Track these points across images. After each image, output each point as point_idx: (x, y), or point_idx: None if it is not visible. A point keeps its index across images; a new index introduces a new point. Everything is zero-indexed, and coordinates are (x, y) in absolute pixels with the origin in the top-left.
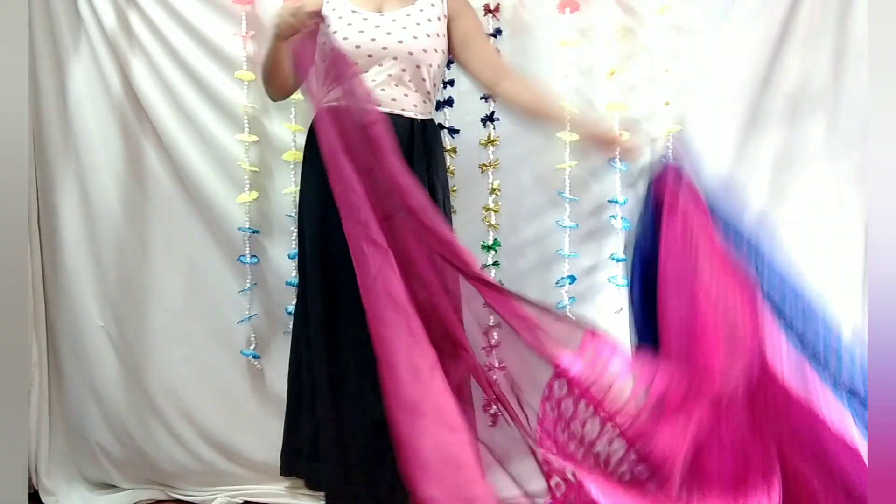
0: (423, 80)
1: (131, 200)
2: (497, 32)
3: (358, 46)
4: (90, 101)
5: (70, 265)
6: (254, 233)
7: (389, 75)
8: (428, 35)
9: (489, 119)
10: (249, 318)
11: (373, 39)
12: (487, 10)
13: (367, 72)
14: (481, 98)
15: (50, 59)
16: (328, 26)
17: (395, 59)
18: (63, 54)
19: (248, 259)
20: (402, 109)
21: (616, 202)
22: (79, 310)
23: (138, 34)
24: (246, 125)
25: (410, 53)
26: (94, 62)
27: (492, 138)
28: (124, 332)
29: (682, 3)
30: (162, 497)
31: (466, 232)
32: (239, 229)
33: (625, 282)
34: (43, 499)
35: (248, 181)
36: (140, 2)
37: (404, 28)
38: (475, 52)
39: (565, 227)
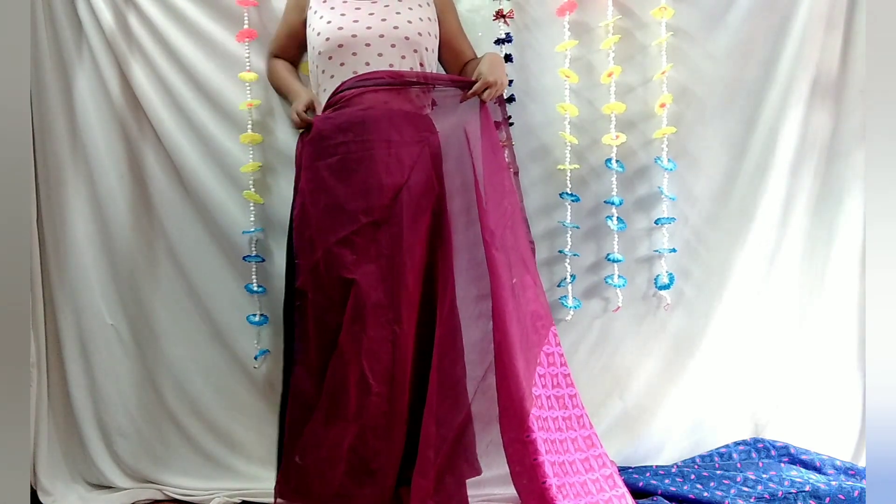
0: (422, 65)
1: (137, 202)
2: (508, 38)
3: (354, 35)
4: (93, 104)
5: (79, 266)
6: (258, 231)
7: (391, 65)
8: (421, 19)
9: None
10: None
11: (368, 27)
12: (499, 15)
13: (367, 63)
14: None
15: (54, 63)
16: (313, 11)
17: (394, 46)
18: (67, 57)
19: (253, 258)
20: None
21: (612, 203)
22: (87, 309)
23: (137, 35)
24: (249, 126)
25: (407, 38)
26: (94, 65)
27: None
28: (134, 331)
29: (680, 5)
30: (160, 497)
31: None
32: (243, 233)
33: (621, 281)
34: (41, 498)
35: (250, 182)
36: (139, 2)
37: (398, 13)
38: (455, 52)
39: (567, 226)
